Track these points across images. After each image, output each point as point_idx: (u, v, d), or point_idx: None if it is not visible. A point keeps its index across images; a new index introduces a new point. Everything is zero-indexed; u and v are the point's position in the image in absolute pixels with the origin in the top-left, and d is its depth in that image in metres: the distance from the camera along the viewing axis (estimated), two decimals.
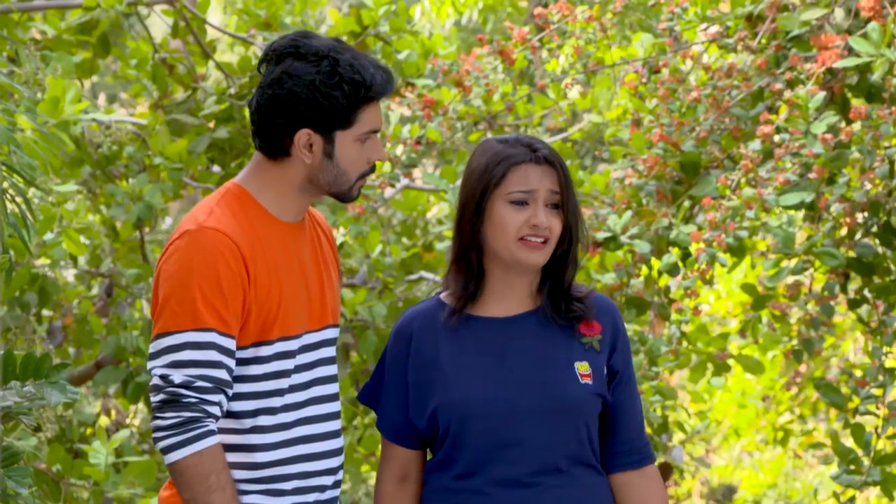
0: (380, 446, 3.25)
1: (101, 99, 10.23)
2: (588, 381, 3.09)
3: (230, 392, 3.00)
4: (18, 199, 3.54)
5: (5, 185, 3.50)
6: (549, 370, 3.09)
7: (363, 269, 6.84)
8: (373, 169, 3.10)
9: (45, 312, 6.86)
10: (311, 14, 7.40)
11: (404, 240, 7.29)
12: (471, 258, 3.08)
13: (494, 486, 3.07)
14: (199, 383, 2.95)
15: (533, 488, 3.06)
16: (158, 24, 9.17)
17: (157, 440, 2.97)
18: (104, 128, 6.55)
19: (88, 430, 6.86)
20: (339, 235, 6.61)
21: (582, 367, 3.10)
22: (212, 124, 6.72)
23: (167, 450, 2.96)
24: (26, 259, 6.03)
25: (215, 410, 2.97)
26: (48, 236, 6.00)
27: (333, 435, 3.15)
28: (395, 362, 3.16)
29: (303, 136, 3.02)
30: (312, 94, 2.99)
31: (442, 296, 3.18)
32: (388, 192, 6.51)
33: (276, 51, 3.05)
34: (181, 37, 6.99)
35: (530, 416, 3.06)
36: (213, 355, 2.96)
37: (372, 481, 7.77)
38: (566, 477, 3.08)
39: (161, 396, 2.96)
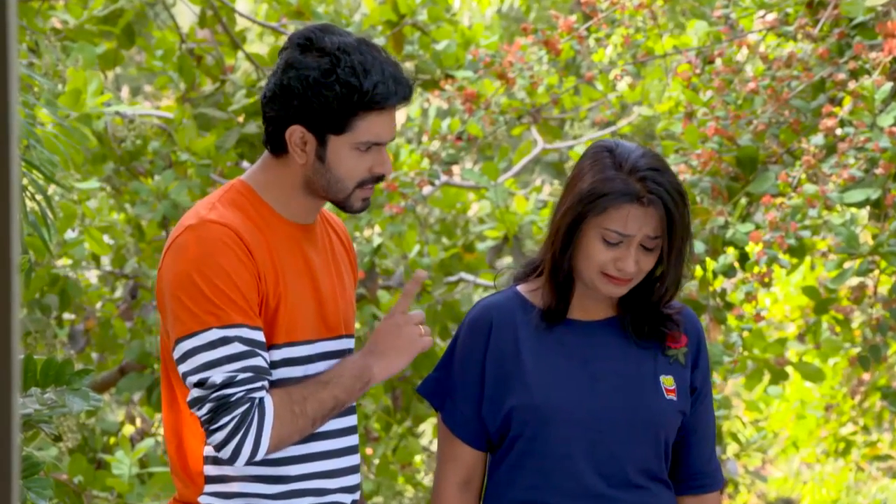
0: (438, 446, 3.19)
1: (125, 91, 10.26)
2: (673, 396, 3.08)
3: (271, 378, 2.96)
4: (38, 197, 3.53)
5: (24, 181, 3.49)
6: (634, 381, 3.07)
7: (400, 271, 6.83)
8: (376, 179, 3.04)
9: (67, 315, 6.88)
10: (344, 2, 7.39)
11: (443, 239, 7.27)
12: (560, 274, 3.06)
13: (570, 498, 3.03)
14: (241, 375, 2.89)
15: (612, 503, 3.04)
16: (185, 12, 9.19)
17: (231, 459, 2.89)
18: (128, 122, 6.56)
19: (112, 440, 6.88)
20: (375, 235, 6.59)
21: (667, 382, 3.08)
22: (241, 118, 6.72)
23: (250, 458, 2.90)
24: (46, 259, 6.04)
25: (262, 394, 2.92)
26: (69, 235, 6.01)
27: (350, 451, 3.12)
28: (470, 354, 3.11)
29: (296, 132, 2.99)
30: (305, 90, 2.96)
31: (519, 288, 3.15)
32: (427, 189, 6.50)
33: (292, 40, 3.04)
34: (209, 26, 7.00)
35: (613, 427, 3.04)
36: (246, 347, 2.91)
37: (409, 494, 7.75)
38: (646, 494, 3.06)
39: (208, 405, 2.89)
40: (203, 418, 2.90)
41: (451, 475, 3.14)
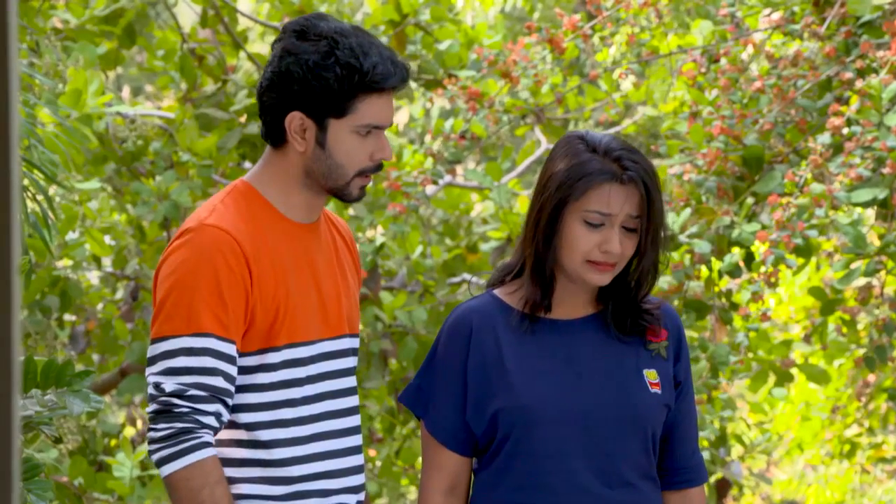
0: (423, 454, 3.17)
1: (126, 92, 10.25)
2: (657, 389, 3.08)
3: (230, 401, 2.98)
4: (39, 197, 3.52)
5: (25, 182, 3.48)
6: (619, 377, 3.07)
7: (403, 272, 6.81)
8: (377, 167, 3.04)
9: (68, 317, 6.87)
10: (346, 1, 7.38)
11: (446, 240, 7.26)
12: (545, 268, 3.04)
13: (560, 497, 3.02)
14: (193, 392, 2.92)
15: (602, 501, 3.02)
16: (187, 12, 9.17)
17: (150, 453, 2.96)
18: (129, 122, 6.54)
19: (112, 442, 6.86)
20: (378, 236, 6.57)
21: (651, 375, 3.08)
22: (243, 119, 6.71)
23: (159, 463, 2.95)
24: (47, 260, 6.03)
25: (210, 420, 2.94)
26: (70, 237, 6.00)
27: (354, 451, 3.12)
28: (451, 360, 3.09)
29: (295, 118, 2.99)
30: (305, 73, 2.96)
31: (496, 292, 3.13)
32: (430, 189, 6.48)
33: (286, 29, 3.04)
34: (211, 26, 6.98)
35: (599, 425, 3.04)
36: (209, 362, 2.94)
37: (412, 496, 7.73)
38: (635, 492, 3.05)
39: (154, 406, 2.95)
40: (149, 415, 2.96)
41: (437, 483, 3.11)
